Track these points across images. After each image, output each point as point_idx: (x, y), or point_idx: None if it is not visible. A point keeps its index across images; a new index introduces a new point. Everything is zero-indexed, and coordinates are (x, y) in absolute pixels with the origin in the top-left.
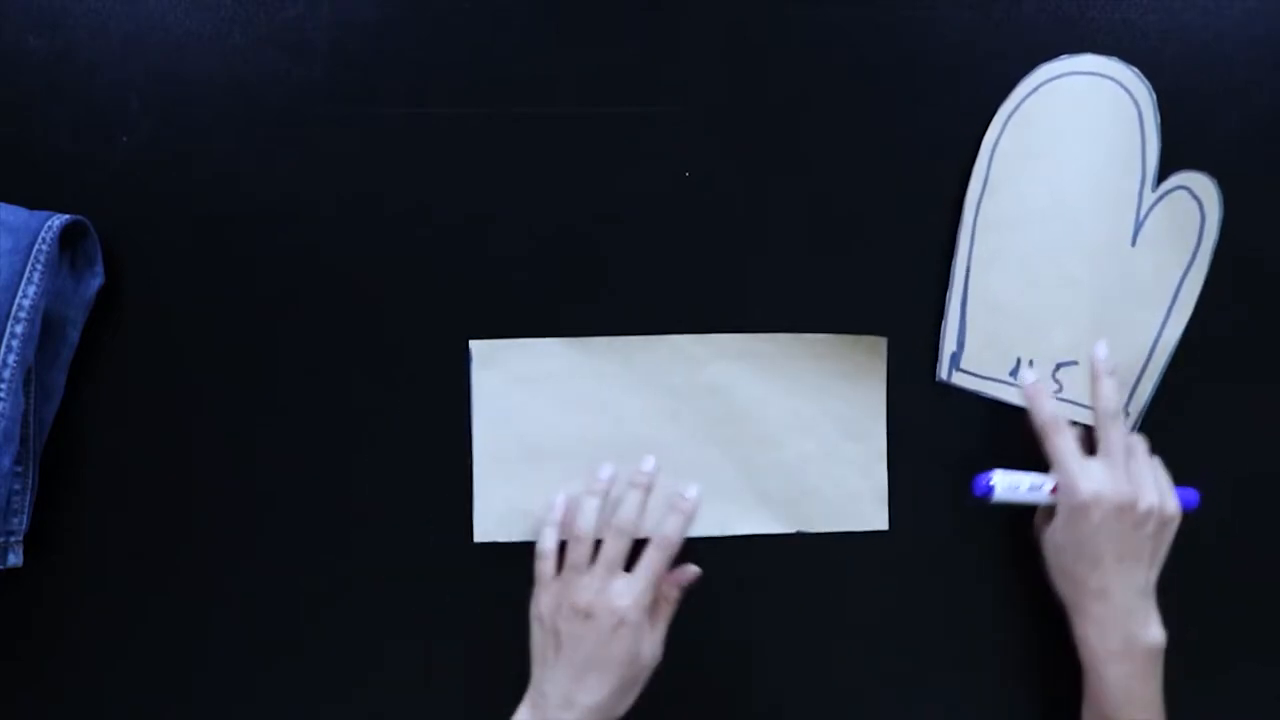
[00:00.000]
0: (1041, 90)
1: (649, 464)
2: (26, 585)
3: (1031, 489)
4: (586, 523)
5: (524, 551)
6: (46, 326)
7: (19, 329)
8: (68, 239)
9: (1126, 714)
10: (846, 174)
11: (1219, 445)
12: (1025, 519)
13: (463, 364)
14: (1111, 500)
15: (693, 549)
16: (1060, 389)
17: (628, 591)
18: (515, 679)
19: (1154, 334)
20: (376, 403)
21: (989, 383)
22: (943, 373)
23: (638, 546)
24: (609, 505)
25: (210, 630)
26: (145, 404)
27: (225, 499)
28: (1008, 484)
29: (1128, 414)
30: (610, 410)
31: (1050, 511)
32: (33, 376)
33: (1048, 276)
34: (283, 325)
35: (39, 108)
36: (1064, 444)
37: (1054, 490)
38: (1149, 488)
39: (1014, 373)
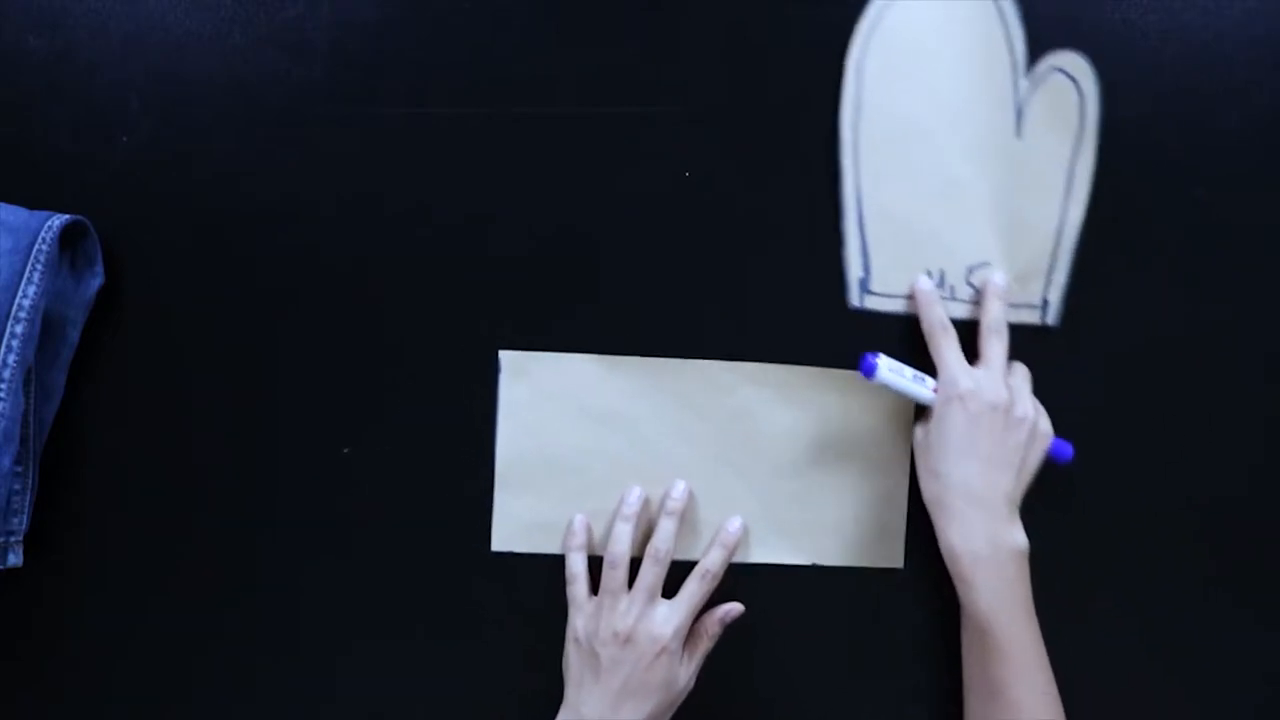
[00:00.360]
0: (897, 2)
1: (680, 490)
2: (26, 585)
3: (915, 379)
4: (622, 548)
5: (541, 563)
6: (46, 326)
7: (19, 329)
8: (68, 239)
9: (1001, 621)
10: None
11: (1137, 324)
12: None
13: (462, 363)
14: (987, 398)
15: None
16: (977, 292)
17: (670, 619)
18: (530, 688)
19: (1056, 220)
20: (377, 402)
21: (900, 300)
22: (853, 299)
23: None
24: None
25: (211, 631)
26: (145, 404)
27: (225, 499)
28: (892, 367)
29: (1047, 303)
30: (634, 429)
31: (929, 419)
32: (33, 376)
33: (939, 184)
34: (283, 325)
35: (39, 108)
36: (949, 345)
37: (935, 391)
38: (1025, 399)
39: None
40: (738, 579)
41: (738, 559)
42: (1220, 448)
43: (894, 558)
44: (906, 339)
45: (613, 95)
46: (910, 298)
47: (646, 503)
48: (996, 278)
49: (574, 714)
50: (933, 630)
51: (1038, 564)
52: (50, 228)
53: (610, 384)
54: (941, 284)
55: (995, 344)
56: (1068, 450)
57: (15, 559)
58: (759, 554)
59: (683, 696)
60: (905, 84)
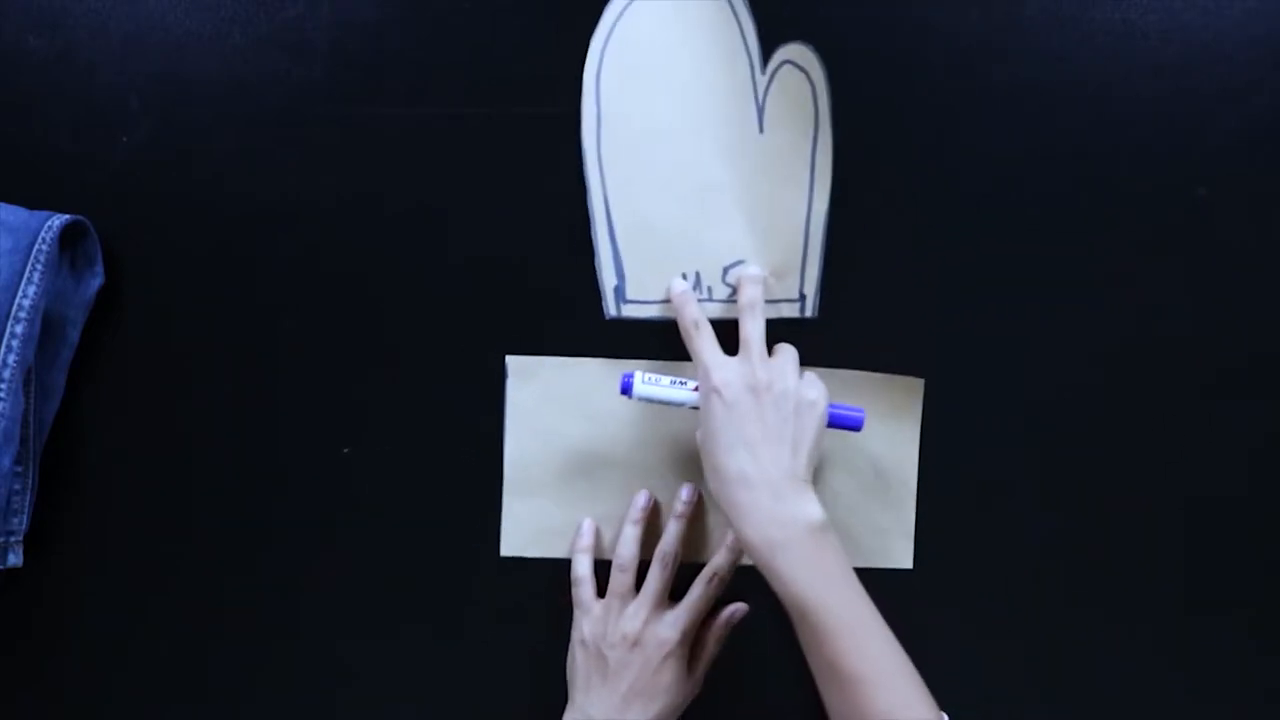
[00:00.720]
0: (629, 11)
1: (687, 493)
2: (26, 585)
3: (674, 384)
4: (629, 552)
5: (546, 566)
6: (46, 326)
7: (19, 329)
8: (68, 239)
9: (815, 600)
10: (862, 164)
11: (1138, 323)
12: (1043, 564)
13: (464, 364)
14: (743, 382)
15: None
16: (735, 291)
17: (676, 623)
18: (537, 692)
19: (804, 212)
20: (377, 401)
21: (658, 306)
22: (610, 309)
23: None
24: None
25: (211, 631)
26: (145, 404)
27: (226, 500)
28: (647, 380)
29: (804, 297)
30: (642, 433)
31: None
32: (33, 376)
33: (689, 186)
34: (283, 325)
35: (39, 108)
36: (703, 341)
37: (696, 389)
38: (786, 374)
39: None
40: (745, 583)
41: (745, 562)
42: (1218, 447)
43: (903, 558)
44: (670, 345)
45: None
46: (668, 302)
47: (655, 507)
48: (751, 269)
49: (581, 715)
50: (944, 630)
51: (1031, 566)
52: (50, 228)
53: (615, 387)
54: (698, 285)
55: (749, 323)
56: (858, 417)
57: (15, 559)
58: None
59: (689, 700)
60: (646, 90)
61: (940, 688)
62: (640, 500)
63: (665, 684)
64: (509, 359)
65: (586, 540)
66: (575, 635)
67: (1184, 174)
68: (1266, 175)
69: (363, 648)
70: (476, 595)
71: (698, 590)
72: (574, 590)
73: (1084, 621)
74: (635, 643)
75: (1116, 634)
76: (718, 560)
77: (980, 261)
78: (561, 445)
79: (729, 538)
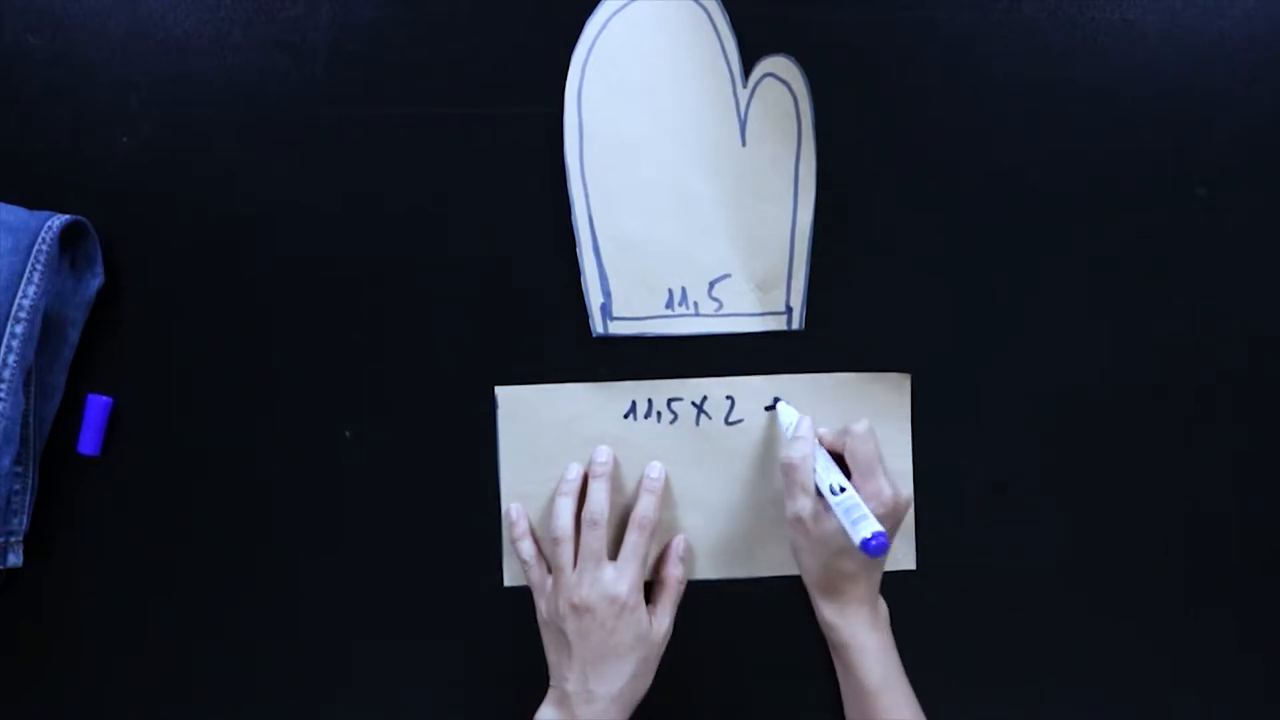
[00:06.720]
0: (610, 25)
1: (603, 454)
2: (26, 585)
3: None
4: (563, 524)
5: None
6: (46, 326)
7: (19, 329)
8: (68, 239)
9: (893, 682)
10: (846, 175)
11: (1138, 323)
12: (1053, 561)
13: (464, 362)
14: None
15: (717, 591)
16: (721, 306)
17: (620, 578)
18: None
19: (789, 224)
20: (377, 400)
21: (647, 322)
22: (597, 327)
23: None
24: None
25: (211, 632)
26: (145, 404)
27: (225, 502)
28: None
29: (790, 309)
30: (636, 453)
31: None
32: (33, 376)
33: (673, 201)
34: (283, 326)
35: (39, 108)
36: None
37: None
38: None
39: (669, 305)
40: (750, 590)
41: (747, 574)
42: (1217, 445)
43: (906, 559)
44: (656, 362)
45: None
46: (654, 317)
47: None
48: (794, 420)
49: (559, 692)
50: (952, 628)
51: (1033, 564)
52: (50, 228)
53: (607, 409)
54: (685, 300)
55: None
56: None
57: (15, 559)
58: (768, 567)
59: (663, 645)
60: (627, 106)
61: (958, 685)
62: (570, 473)
63: (628, 640)
64: (498, 390)
65: (522, 525)
66: (538, 617)
67: (1184, 174)
68: (1266, 175)
69: (364, 646)
70: (482, 626)
71: (630, 539)
72: (526, 574)
73: (1087, 619)
74: (586, 609)
75: (1121, 631)
76: (641, 505)
77: (973, 267)
78: (557, 473)
79: (645, 481)
